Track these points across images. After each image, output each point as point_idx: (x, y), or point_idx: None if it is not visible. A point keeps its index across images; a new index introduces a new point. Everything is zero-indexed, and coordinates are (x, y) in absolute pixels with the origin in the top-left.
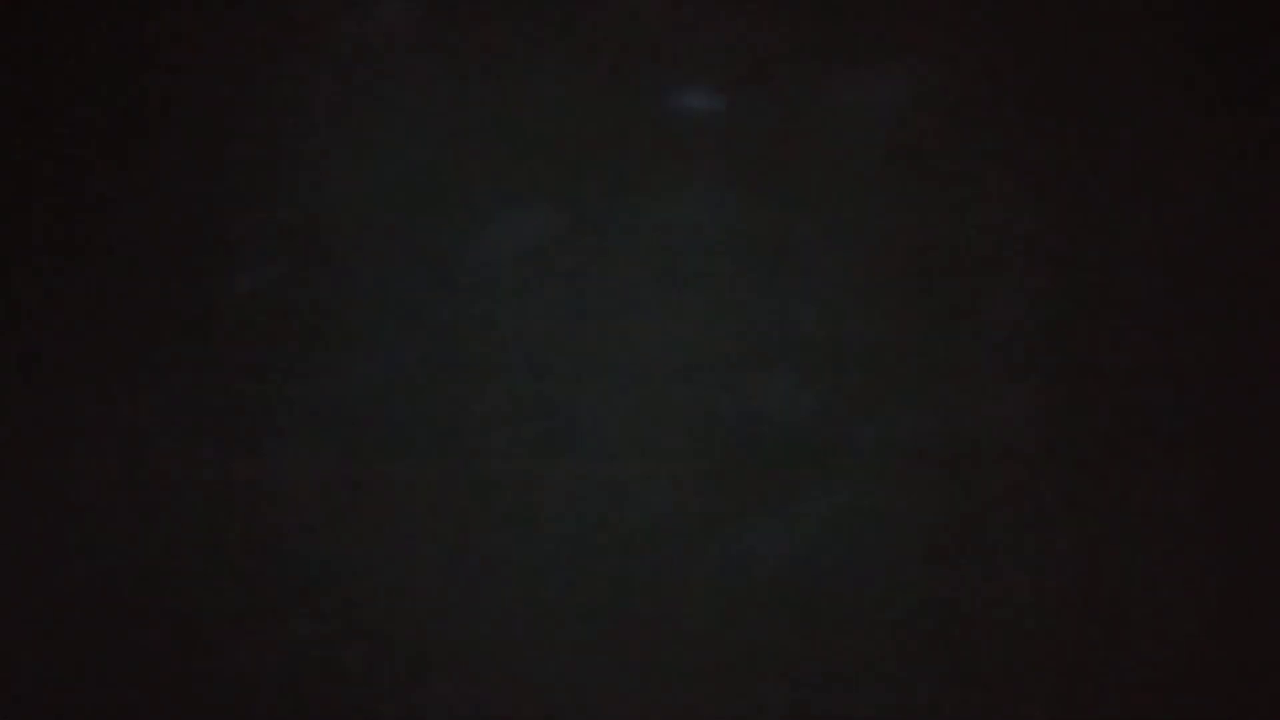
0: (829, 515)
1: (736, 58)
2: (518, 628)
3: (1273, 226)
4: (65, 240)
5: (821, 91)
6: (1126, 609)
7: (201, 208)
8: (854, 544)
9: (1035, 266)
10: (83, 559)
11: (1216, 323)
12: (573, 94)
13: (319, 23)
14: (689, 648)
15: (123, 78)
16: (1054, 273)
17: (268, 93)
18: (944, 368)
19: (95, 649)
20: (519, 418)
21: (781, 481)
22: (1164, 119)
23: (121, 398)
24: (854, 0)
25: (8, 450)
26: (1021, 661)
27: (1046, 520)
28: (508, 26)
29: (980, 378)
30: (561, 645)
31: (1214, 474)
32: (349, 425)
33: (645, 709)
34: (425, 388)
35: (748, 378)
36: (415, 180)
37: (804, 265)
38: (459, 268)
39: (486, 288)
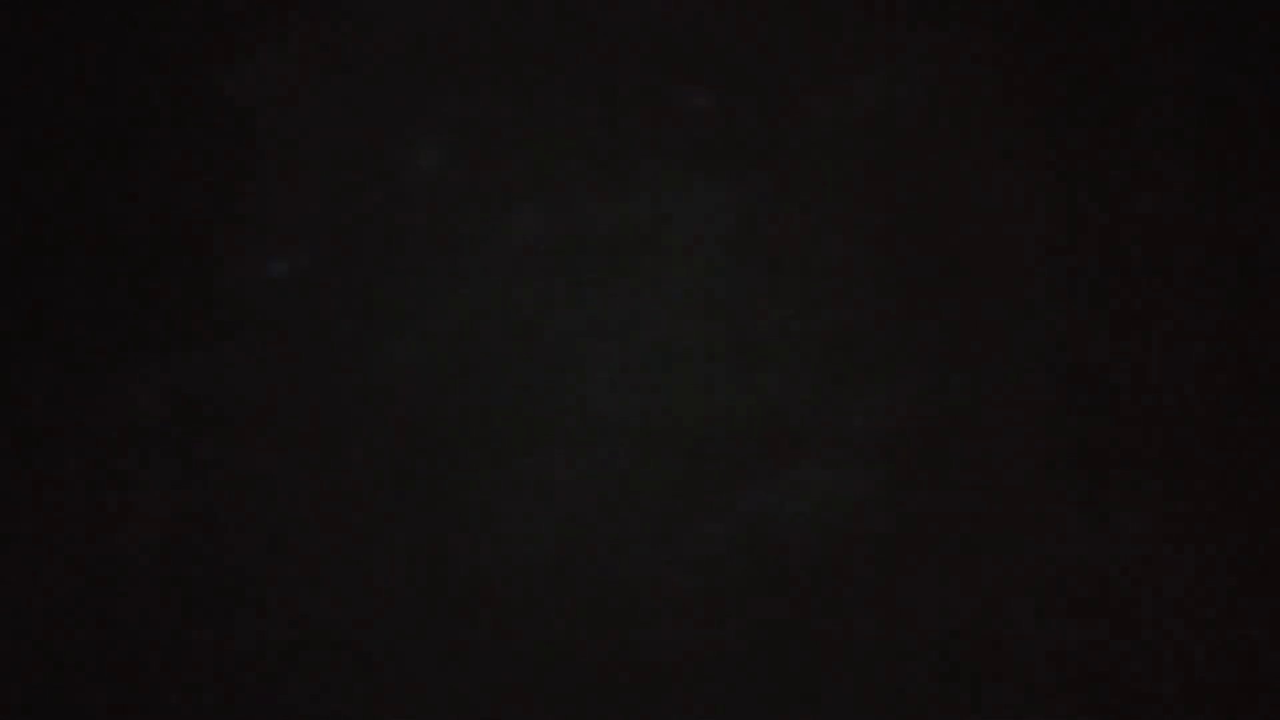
0: (815, 504)
1: (734, 57)
2: (498, 623)
3: (1275, 227)
4: (65, 234)
5: (817, 91)
6: (1108, 604)
7: (197, 202)
8: (840, 531)
9: (1026, 264)
10: (63, 556)
11: (1215, 323)
12: (568, 91)
13: (317, 16)
14: (671, 637)
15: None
16: (1045, 270)
17: (262, 86)
18: (933, 360)
19: (68, 646)
20: (504, 411)
21: (764, 470)
22: (1164, 119)
23: (116, 390)
24: (852, 0)
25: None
26: (1002, 649)
27: (1028, 510)
28: (506, 24)
29: (968, 371)
30: (544, 639)
31: (1204, 474)
32: (328, 423)
33: (631, 704)
34: (409, 384)
35: (736, 370)
36: (405, 179)
37: (794, 260)
38: (447, 265)
39: (475, 283)
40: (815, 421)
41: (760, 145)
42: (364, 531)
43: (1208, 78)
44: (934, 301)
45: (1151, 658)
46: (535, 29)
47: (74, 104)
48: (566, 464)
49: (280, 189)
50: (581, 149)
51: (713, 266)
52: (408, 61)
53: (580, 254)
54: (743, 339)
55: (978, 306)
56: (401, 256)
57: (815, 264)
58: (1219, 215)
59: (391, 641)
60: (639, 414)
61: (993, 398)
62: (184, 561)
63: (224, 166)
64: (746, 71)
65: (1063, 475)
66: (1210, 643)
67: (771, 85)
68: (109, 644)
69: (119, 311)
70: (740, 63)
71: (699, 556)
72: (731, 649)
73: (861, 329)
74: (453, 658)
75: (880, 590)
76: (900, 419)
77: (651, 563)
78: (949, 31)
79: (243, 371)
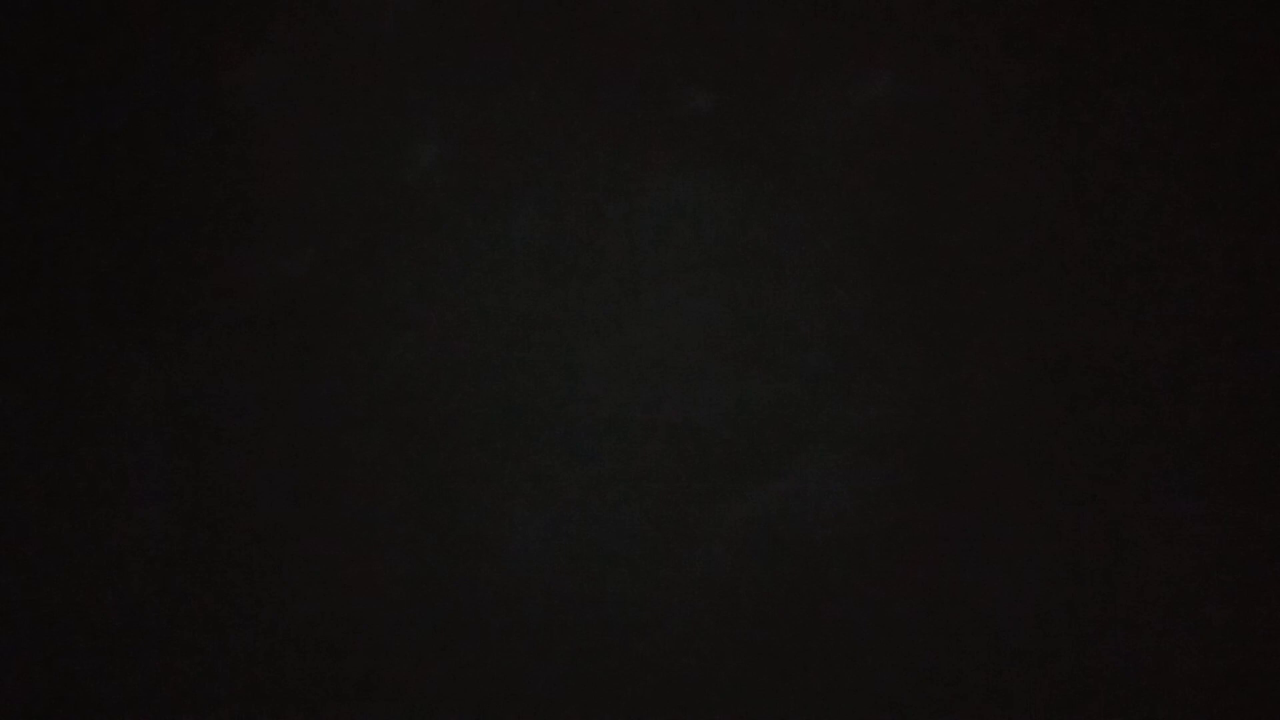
0: (817, 503)
1: (734, 57)
2: (499, 621)
3: (1274, 226)
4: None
5: (818, 90)
6: (1111, 602)
7: (197, 201)
8: (842, 530)
9: (1027, 263)
10: (61, 553)
11: (1216, 322)
12: (567, 90)
13: (317, 15)
14: (672, 636)
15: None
16: (1046, 270)
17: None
18: (934, 359)
19: (67, 644)
20: (504, 410)
21: (766, 469)
22: (1166, 118)
23: (115, 388)
24: (853, 0)
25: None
26: (996, 651)
27: (1030, 509)
28: (506, 23)
29: (969, 370)
30: (545, 638)
31: (1207, 472)
32: (328, 423)
33: (632, 703)
34: (409, 385)
35: (737, 369)
36: (405, 178)
37: (794, 260)
38: (447, 265)
39: (475, 283)
40: (816, 421)
41: (760, 145)
42: (363, 529)
43: (1210, 77)
44: (935, 300)
45: (1155, 657)
46: (534, 28)
47: (73, 102)
48: (567, 463)
49: (280, 188)
50: (581, 148)
51: (713, 266)
52: (408, 61)
53: (579, 253)
54: (743, 338)
55: (978, 306)
56: (401, 256)
57: (816, 263)
58: (1220, 215)
59: (391, 640)
60: (639, 414)
61: (994, 397)
62: (183, 560)
63: (224, 165)
64: (746, 71)
65: (1064, 474)
66: (1215, 641)
67: (771, 85)
68: (107, 642)
69: (118, 310)
70: (740, 63)
71: (700, 555)
72: (733, 648)
73: (862, 328)
74: (452, 655)
75: (883, 589)
76: (902, 418)
77: (652, 561)
78: (950, 31)
79: (243, 370)
